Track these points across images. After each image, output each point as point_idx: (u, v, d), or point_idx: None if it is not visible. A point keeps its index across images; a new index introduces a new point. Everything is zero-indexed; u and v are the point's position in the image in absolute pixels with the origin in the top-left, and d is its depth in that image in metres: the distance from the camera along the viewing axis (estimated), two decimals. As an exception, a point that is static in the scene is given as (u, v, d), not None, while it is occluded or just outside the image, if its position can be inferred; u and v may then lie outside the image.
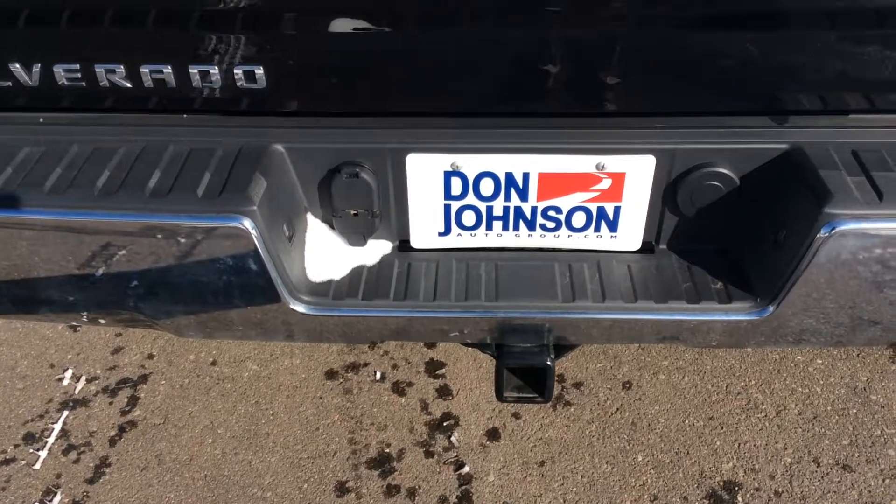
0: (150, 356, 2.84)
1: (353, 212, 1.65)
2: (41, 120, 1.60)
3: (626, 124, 1.55)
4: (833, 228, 1.38)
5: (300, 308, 1.56)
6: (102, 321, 1.79)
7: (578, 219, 1.65)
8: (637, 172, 1.58)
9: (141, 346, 2.88)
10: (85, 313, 1.70)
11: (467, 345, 1.83)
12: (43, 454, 2.52)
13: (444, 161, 1.59)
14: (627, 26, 1.40)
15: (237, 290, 1.53)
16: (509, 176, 1.60)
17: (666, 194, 1.62)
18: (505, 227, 1.68)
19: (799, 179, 1.49)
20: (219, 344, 2.85)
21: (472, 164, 1.59)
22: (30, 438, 2.57)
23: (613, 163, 1.58)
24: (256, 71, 1.47)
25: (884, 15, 1.34)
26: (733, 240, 1.64)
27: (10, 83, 1.51)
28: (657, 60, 1.45)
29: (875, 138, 1.52)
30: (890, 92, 1.46)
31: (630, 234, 1.67)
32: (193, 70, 1.47)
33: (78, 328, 2.95)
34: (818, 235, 1.39)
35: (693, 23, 1.41)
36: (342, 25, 1.42)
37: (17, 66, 1.49)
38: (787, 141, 1.53)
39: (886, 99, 1.48)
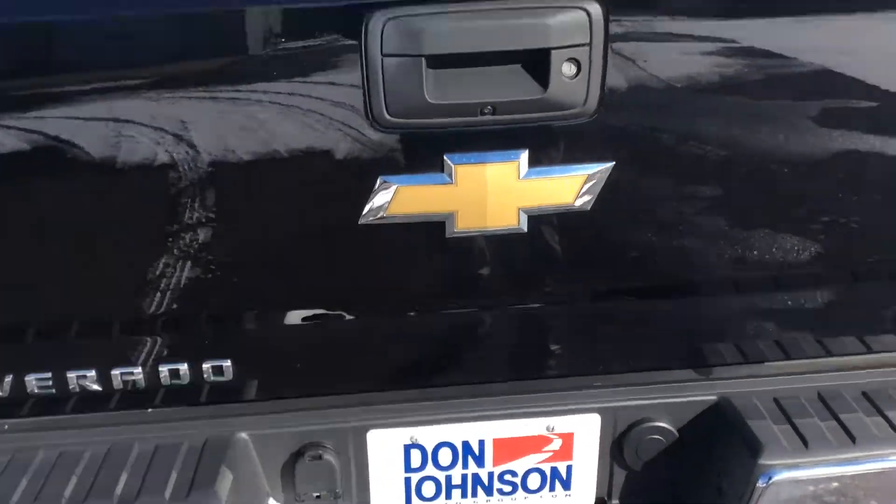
0: None
1: (315, 494, 1.68)
2: (6, 427, 1.62)
3: (570, 385, 1.69)
4: (770, 478, 1.50)
5: None
6: None
7: (533, 480, 1.73)
8: (584, 431, 1.69)
9: None
10: None
11: None
12: None
13: (403, 435, 1.67)
14: (562, 302, 1.59)
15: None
16: (466, 444, 1.69)
17: (613, 450, 1.72)
18: (464, 495, 1.73)
19: (731, 430, 1.63)
20: None
21: (429, 435, 1.68)
22: None
23: (562, 423, 1.69)
24: (224, 364, 1.56)
25: (780, 287, 1.57)
26: (681, 490, 1.74)
27: (-22, 395, 1.56)
28: (583, 329, 1.63)
29: (791, 384, 1.70)
30: (797, 341, 1.67)
31: (583, 492, 1.75)
32: (163, 368, 1.56)
33: None
34: (757, 485, 1.51)
35: (610, 295, 1.61)
36: (295, 318, 1.55)
37: (-12, 378, 1.55)
38: (715, 393, 1.69)
39: (796, 348, 1.68)
